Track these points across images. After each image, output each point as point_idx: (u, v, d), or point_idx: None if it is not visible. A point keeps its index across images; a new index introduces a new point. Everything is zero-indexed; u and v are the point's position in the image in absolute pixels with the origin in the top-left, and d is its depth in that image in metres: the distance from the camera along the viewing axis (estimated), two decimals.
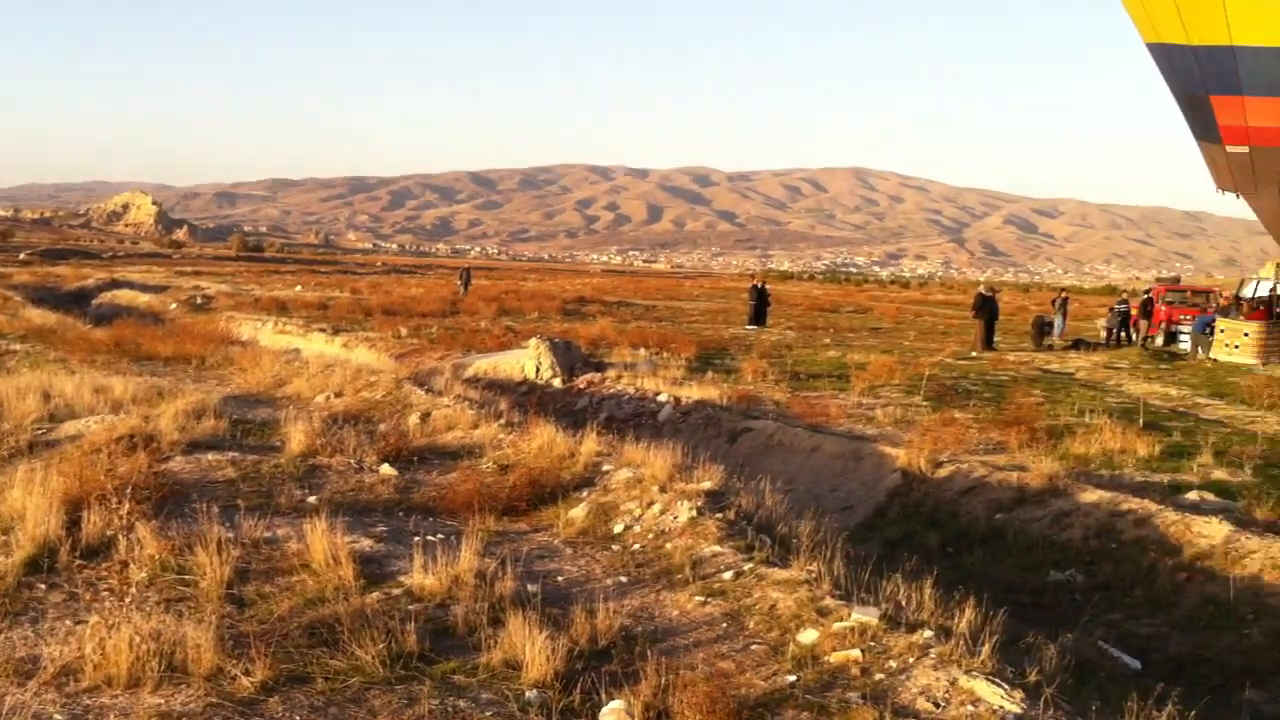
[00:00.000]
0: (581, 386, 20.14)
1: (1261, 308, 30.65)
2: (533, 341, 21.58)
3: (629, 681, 5.77)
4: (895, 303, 63.95)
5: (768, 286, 39.78)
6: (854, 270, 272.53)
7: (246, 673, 5.74)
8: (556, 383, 20.46)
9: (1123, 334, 34.54)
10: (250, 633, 6.33)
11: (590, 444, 11.02)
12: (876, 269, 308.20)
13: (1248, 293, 33.30)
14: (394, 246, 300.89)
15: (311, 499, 9.62)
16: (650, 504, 9.03)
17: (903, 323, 44.74)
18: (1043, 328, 33.73)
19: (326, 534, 7.66)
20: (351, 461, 11.10)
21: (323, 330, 28.92)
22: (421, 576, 7.24)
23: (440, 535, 8.51)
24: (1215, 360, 29.53)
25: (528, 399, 18.43)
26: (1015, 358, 28.29)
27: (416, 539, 8.04)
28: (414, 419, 13.44)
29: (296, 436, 11.49)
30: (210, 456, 11.04)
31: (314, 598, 7.01)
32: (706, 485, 9.13)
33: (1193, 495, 11.50)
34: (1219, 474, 12.71)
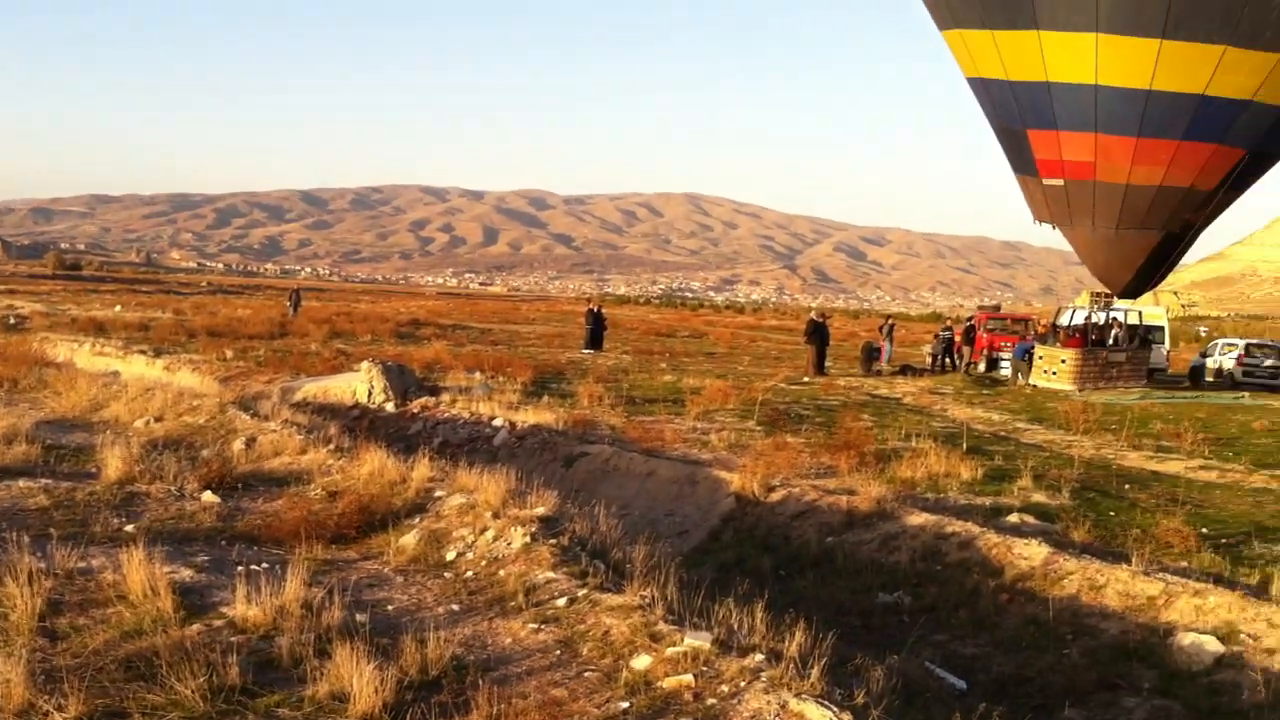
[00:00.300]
0: (415, 411, 19.82)
1: (1077, 335, 31.99)
2: (365, 364, 21.19)
3: (460, 712, 5.66)
4: (730, 328, 64.78)
5: (604, 310, 39.93)
6: (690, 295, 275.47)
7: (59, 708, 5.47)
8: (389, 407, 20.10)
9: (947, 360, 35.59)
10: (63, 667, 6.05)
11: (422, 469, 10.84)
12: (712, 294, 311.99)
13: (1064, 321, 34.73)
14: (220, 266, 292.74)
15: (129, 527, 9.24)
16: (483, 530, 8.92)
17: (737, 347, 45.35)
18: (872, 354, 34.57)
19: (144, 564, 7.35)
20: (172, 489, 10.71)
21: (143, 352, 27.88)
22: (245, 607, 7.01)
23: (265, 564, 8.24)
24: (1034, 386, 30.68)
25: (359, 424, 18.08)
26: (846, 383, 28.90)
27: (240, 569, 7.77)
28: (239, 444, 13.05)
29: (114, 463, 11.04)
30: (21, 484, 10.54)
31: (131, 630, 6.72)
32: (540, 511, 9.05)
33: (1013, 518, 11.87)
34: (1038, 497, 13.15)
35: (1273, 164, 24.90)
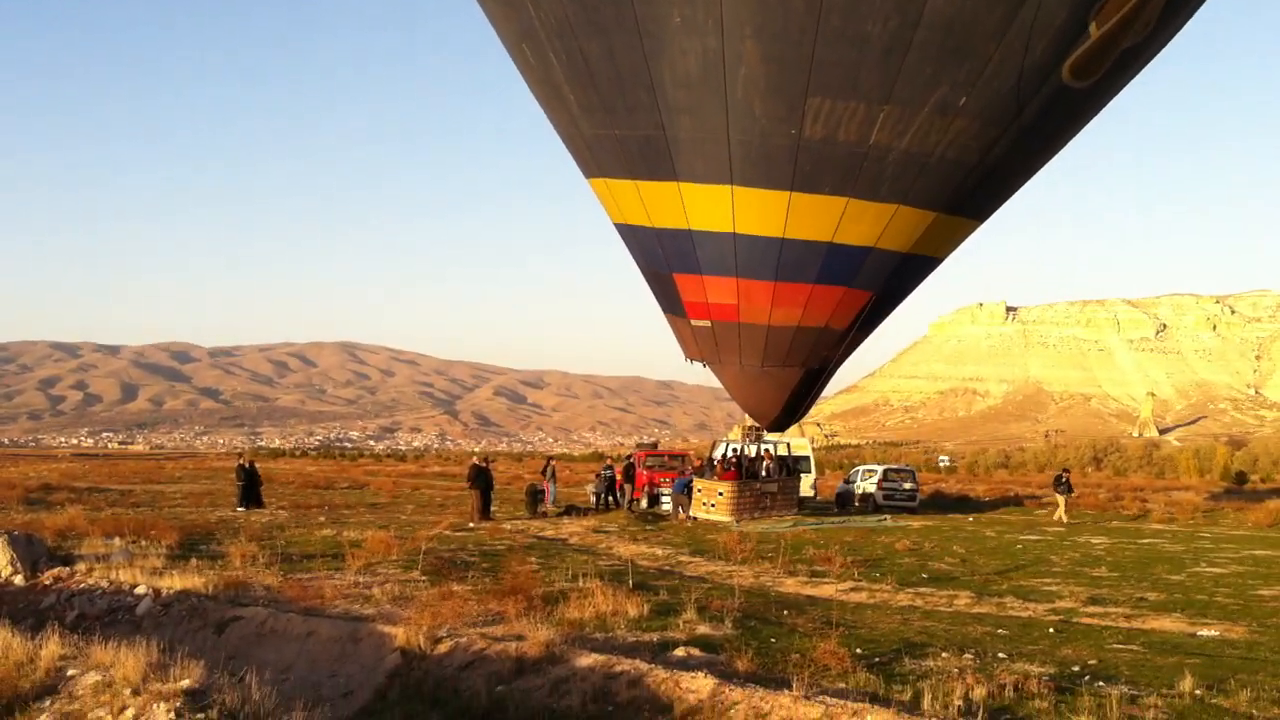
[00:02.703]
0: (48, 583, 18.22)
1: (732, 469, 33.21)
2: None
3: None
4: (392, 477, 63.76)
5: (256, 465, 38.35)
6: (349, 445, 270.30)
7: None
8: (18, 580, 18.39)
9: (610, 498, 36.09)
10: None
11: (53, 646, 9.87)
12: (372, 443, 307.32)
13: (719, 454, 36.04)
14: None
15: None
16: (123, 709, 8.14)
17: (400, 496, 44.58)
18: (536, 495, 34.64)
19: None
20: None
21: None
22: None
23: None
24: (695, 519, 31.54)
25: None
26: (512, 526, 28.79)
27: None
28: None
29: None
30: None
31: None
32: (186, 683, 8.36)
33: (680, 651, 11.92)
34: (703, 629, 13.31)
35: (897, 304, 26.89)
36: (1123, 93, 23.35)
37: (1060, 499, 35.98)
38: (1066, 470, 39.79)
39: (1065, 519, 34.71)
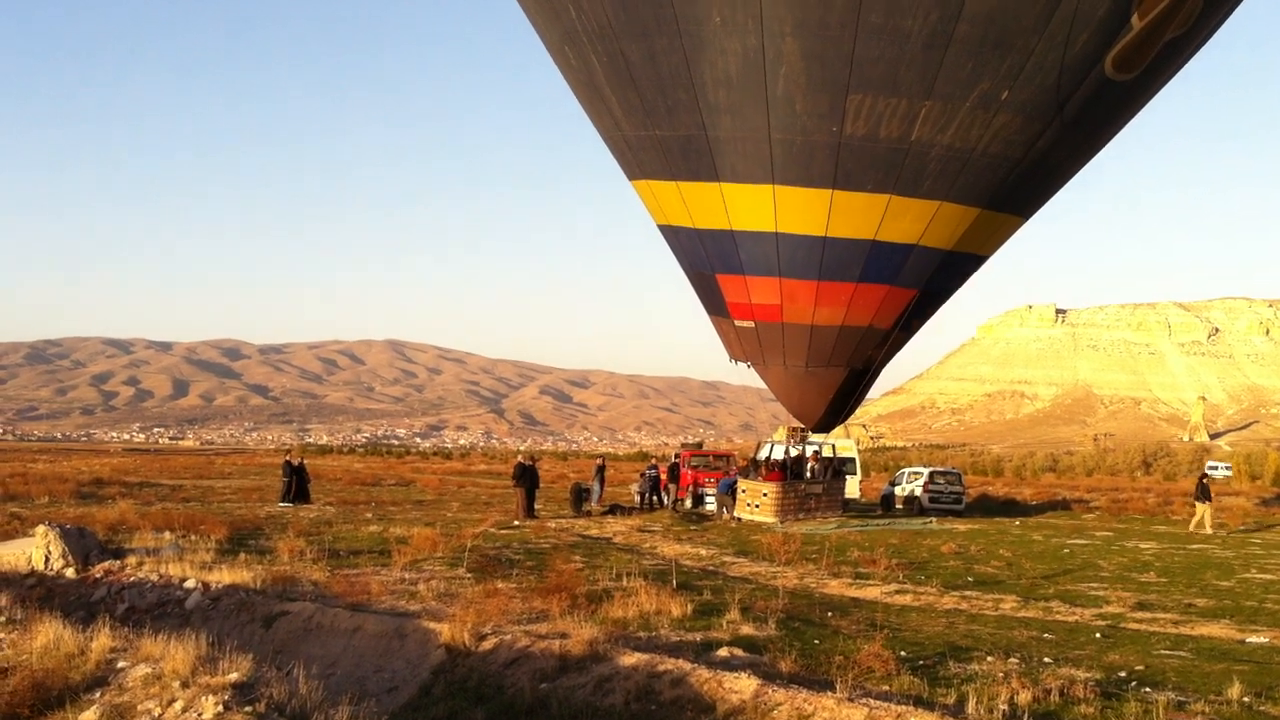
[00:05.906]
0: (99, 576, 18.46)
1: (777, 469, 33.14)
2: (40, 529, 19.62)
3: None
4: (438, 474, 64.11)
5: (304, 462, 38.69)
6: (396, 442, 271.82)
7: None
8: (70, 573, 18.65)
9: (654, 498, 36.08)
10: None
11: (103, 639, 10.01)
12: (419, 440, 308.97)
13: (764, 455, 35.98)
14: None
15: None
16: (172, 701, 8.25)
17: (446, 494, 44.81)
18: (581, 494, 34.69)
19: None
20: None
21: None
22: None
23: None
24: (739, 519, 31.50)
25: (35, 593, 16.70)
26: (556, 525, 28.84)
27: None
28: None
29: None
30: None
31: None
32: (234, 677, 8.46)
33: (724, 651, 11.93)
34: (746, 629, 13.30)
35: (941, 303, 26.72)
36: (1169, 86, 23.13)
37: (1201, 507, 32.93)
38: (1207, 475, 37.46)
39: (1209, 528, 32.21)
